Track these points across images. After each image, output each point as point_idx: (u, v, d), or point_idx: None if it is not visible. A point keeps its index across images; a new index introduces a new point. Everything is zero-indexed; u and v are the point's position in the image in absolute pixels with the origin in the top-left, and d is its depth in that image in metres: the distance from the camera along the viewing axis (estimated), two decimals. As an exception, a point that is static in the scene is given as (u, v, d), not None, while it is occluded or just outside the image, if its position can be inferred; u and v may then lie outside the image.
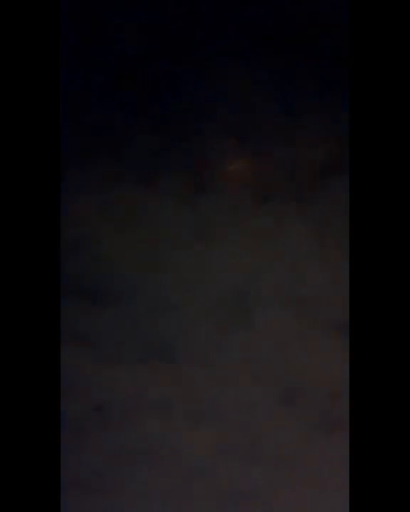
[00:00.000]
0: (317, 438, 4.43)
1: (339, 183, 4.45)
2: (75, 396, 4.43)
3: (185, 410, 4.48)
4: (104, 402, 4.49)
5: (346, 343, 3.04)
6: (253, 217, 4.54)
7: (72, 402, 4.39)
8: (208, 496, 4.44)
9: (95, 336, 4.48)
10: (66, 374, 4.27)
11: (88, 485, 4.42)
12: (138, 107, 4.53)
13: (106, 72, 4.52)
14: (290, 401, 4.49)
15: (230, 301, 4.52)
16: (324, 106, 4.48)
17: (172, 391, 4.48)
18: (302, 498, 4.42)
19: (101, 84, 4.52)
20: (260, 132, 4.55)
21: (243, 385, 4.49)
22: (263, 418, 4.49)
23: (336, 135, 4.50)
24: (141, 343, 4.49)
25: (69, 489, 4.29)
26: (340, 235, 4.40)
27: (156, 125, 4.53)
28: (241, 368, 4.50)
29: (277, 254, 4.53)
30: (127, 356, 4.49)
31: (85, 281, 4.48)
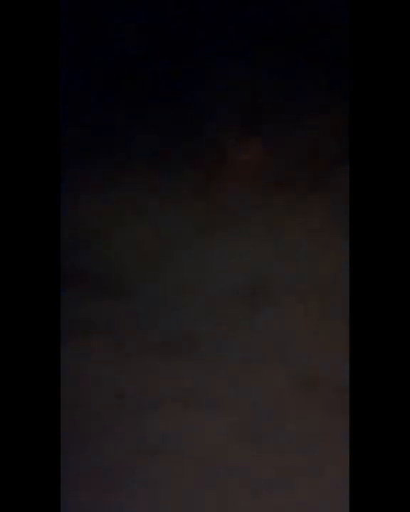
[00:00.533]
0: (324, 433, 4.44)
1: (339, 183, 4.45)
2: (75, 395, 4.43)
3: (185, 409, 4.49)
4: (104, 401, 4.49)
5: (347, 342, 3.05)
6: (253, 217, 4.54)
7: (72, 400, 4.40)
8: (217, 490, 4.45)
9: (94, 335, 4.48)
10: (66, 372, 4.29)
11: (90, 483, 4.43)
12: (138, 107, 4.53)
13: (106, 72, 4.52)
14: (290, 400, 4.49)
15: (230, 300, 4.52)
16: (324, 106, 4.49)
17: (172, 390, 4.48)
18: (303, 496, 4.43)
19: (101, 84, 4.52)
20: (260, 132, 4.56)
21: (244, 384, 4.50)
22: (264, 418, 4.49)
23: (336, 135, 4.51)
24: (141, 342, 4.49)
25: (69, 489, 4.30)
26: (340, 234, 4.41)
27: (156, 125, 4.53)
28: (242, 367, 4.50)
29: (278, 254, 4.53)
30: (127, 354, 4.49)
31: (85, 280, 4.48)
